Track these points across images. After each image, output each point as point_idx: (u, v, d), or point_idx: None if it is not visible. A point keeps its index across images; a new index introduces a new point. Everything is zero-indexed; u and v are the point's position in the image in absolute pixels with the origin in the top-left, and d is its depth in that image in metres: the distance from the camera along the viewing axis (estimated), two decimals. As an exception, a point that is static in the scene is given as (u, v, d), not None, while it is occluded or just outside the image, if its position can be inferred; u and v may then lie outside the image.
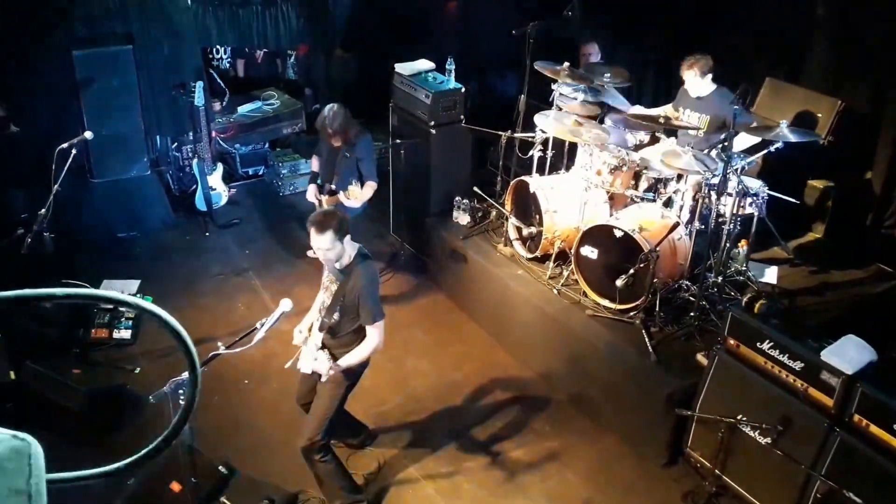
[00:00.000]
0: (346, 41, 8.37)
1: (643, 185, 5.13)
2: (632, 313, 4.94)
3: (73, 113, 6.28)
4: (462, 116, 6.15)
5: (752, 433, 4.03)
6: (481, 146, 6.55)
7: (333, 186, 5.38)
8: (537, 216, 5.42)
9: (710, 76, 5.35)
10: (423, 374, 5.35)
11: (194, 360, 1.20)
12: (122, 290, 5.77)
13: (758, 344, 4.06)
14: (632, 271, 4.71)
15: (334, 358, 3.87)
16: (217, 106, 7.78)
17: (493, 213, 6.01)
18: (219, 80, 7.87)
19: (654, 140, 5.64)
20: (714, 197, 4.77)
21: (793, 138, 4.71)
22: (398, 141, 6.20)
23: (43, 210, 5.38)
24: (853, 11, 5.74)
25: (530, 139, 5.66)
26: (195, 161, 6.89)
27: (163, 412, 3.37)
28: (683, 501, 4.37)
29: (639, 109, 5.88)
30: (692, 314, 4.83)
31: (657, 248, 4.68)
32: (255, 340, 3.73)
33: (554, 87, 5.53)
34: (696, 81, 5.37)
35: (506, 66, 7.46)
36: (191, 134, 7.07)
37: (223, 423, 4.78)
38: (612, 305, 5.00)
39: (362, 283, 3.81)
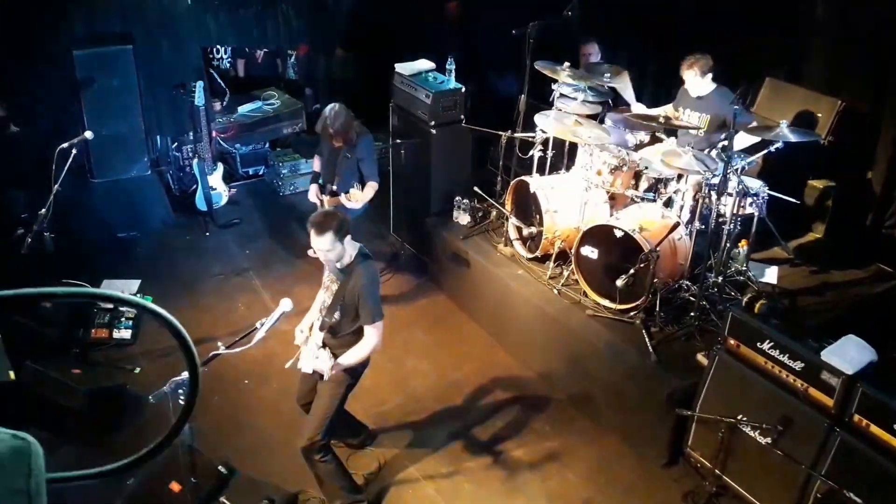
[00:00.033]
0: (346, 41, 8.37)
1: (643, 185, 5.13)
2: (632, 313, 4.94)
3: (74, 113, 6.29)
4: (462, 116, 6.15)
5: (752, 433, 4.02)
6: (482, 146, 6.55)
7: (335, 187, 5.38)
8: (537, 216, 5.42)
9: (710, 76, 5.35)
10: (424, 374, 5.35)
11: (196, 365, 1.20)
12: (122, 289, 5.77)
13: (758, 344, 4.06)
14: (632, 271, 4.71)
15: (335, 357, 3.87)
16: (217, 106, 7.78)
17: (494, 212, 6.01)
18: (219, 80, 7.87)
19: (655, 140, 5.65)
20: (714, 197, 4.77)
21: (793, 138, 4.71)
22: (398, 141, 6.20)
23: (43, 210, 5.39)
24: (853, 11, 5.74)
25: (530, 139, 5.66)
26: (195, 161, 6.89)
27: (163, 412, 3.37)
28: (684, 501, 4.36)
29: (639, 109, 5.88)
30: (692, 314, 4.83)
31: (657, 248, 4.68)
32: (255, 340, 3.73)
33: (554, 86, 5.53)
34: (696, 81, 5.37)
35: (506, 65, 7.45)
36: (191, 134, 7.07)
37: (223, 423, 4.78)
38: (613, 305, 5.00)
39: (363, 283, 3.81)
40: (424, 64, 6.33)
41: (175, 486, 4.12)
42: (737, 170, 4.82)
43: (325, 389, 3.96)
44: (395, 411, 4.99)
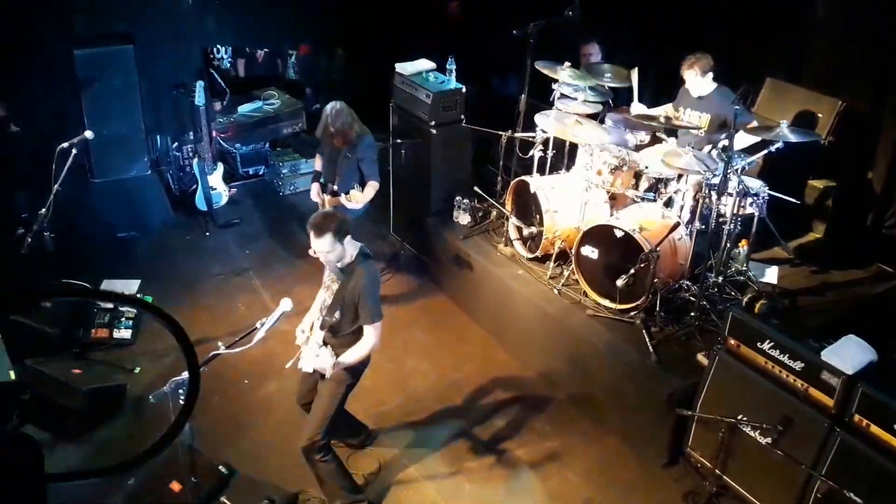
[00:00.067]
0: (346, 41, 8.37)
1: (644, 184, 5.13)
2: (632, 313, 4.94)
3: (74, 112, 6.28)
4: (462, 116, 6.15)
5: (752, 433, 4.02)
6: (483, 145, 6.55)
7: (335, 187, 5.38)
8: (538, 216, 5.42)
9: (710, 75, 5.35)
10: (424, 374, 5.35)
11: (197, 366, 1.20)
12: (122, 289, 5.77)
13: (758, 344, 4.06)
14: (632, 271, 4.71)
15: (336, 356, 3.86)
16: (217, 106, 7.78)
17: (494, 212, 6.01)
18: (219, 80, 7.87)
19: (655, 140, 5.64)
20: (714, 197, 4.76)
21: (793, 138, 4.71)
22: (399, 141, 6.20)
23: (43, 209, 5.39)
24: (853, 11, 5.74)
25: (531, 139, 5.66)
26: (195, 161, 6.89)
27: (163, 412, 3.38)
28: (684, 501, 4.36)
29: (639, 109, 5.88)
30: (693, 314, 4.83)
31: (658, 248, 4.68)
32: (255, 340, 3.73)
33: (554, 86, 5.53)
34: (697, 81, 5.37)
35: (507, 65, 7.45)
36: (191, 134, 7.08)
37: (223, 423, 4.78)
38: (613, 305, 5.00)
39: (363, 283, 3.81)
40: (425, 64, 6.33)
41: (175, 486, 4.13)
42: (737, 170, 4.82)
43: (325, 389, 3.96)
44: (395, 411, 4.99)
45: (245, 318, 5.68)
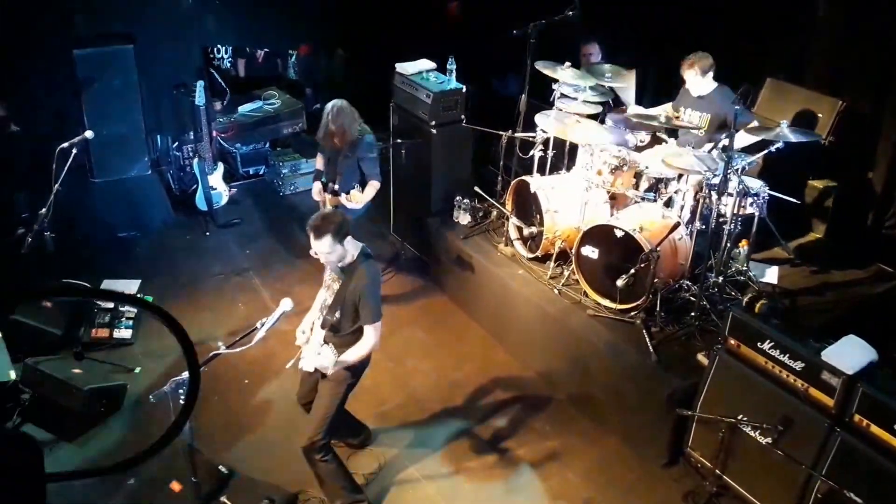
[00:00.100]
0: (346, 41, 8.37)
1: (644, 184, 5.13)
2: (632, 313, 4.94)
3: (74, 112, 6.29)
4: (463, 116, 6.15)
5: (752, 433, 4.02)
6: (483, 145, 6.55)
7: (336, 187, 5.37)
8: (538, 216, 5.42)
9: (710, 75, 5.35)
10: (424, 374, 5.35)
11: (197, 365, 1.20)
12: (122, 289, 5.77)
13: (758, 344, 4.06)
14: (632, 271, 4.71)
15: (337, 355, 3.86)
16: (218, 105, 7.78)
17: (494, 212, 6.01)
18: (220, 80, 7.87)
19: (655, 139, 5.64)
20: (715, 197, 4.76)
21: (793, 138, 4.71)
22: (399, 141, 6.20)
23: (43, 209, 5.40)
24: (854, 11, 5.74)
25: (531, 139, 5.66)
26: (196, 161, 6.89)
27: (163, 412, 3.37)
28: (684, 501, 4.36)
29: (639, 109, 5.88)
30: (693, 314, 4.83)
31: (658, 248, 4.68)
32: (256, 340, 3.73)
33: (555, 86, 5.53)
34: (697, 80, 5.37)
35: (507, 65, 7.45)
36: (191, 133, 7.07)
37: (223, 423, 4.77)
38: (613, 305, 5.00)
39: (365, 283, 3.81)
40: (425, 64, 6.32)
41: (175, 486, 4.13)
42: (737, 170, 4.81)
43: (325, 389, 3.96)
44: (395, 411, 4.99)
45: (245, 318, 5.68)
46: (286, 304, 3.82)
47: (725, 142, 4.67)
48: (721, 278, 4.99)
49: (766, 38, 6.22)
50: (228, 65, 8.29)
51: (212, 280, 6.27)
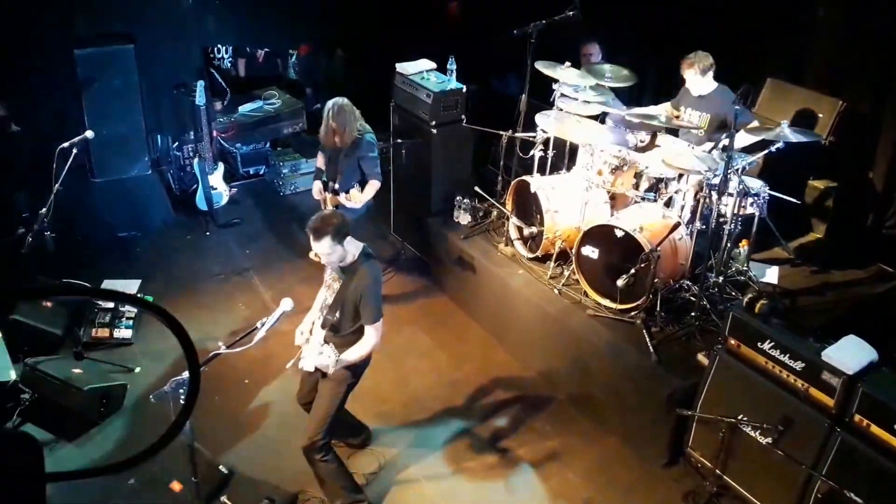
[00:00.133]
0: (346, 41, 8.37)
1: (644, 184, 5.12)
2: (633, 313, 4.94)
3: (74, 112, 6.29)
4: (463, 116, 6.15)
5: (752, 433, 4.02)
6: (483, 145, 6.56)
7: (336, 186, 5.37)
8: (538, 216, 5.42)
9: (710, 74, 5.35)
10: (424, 374, 5.35)
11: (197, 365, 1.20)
12: (122, 289, 5.77)
13: (759, 344, 4.06)
14: (633, 271, 4.71)
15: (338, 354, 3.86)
16: (218, 105, 7.78)
17: (494, 212, 6.01)
18: (220, 80, 7.88)
19: (655, 139, 5.63)
20: (715, 197, 4.76)
21: (794, 138, 4.71)
22: (399, 141, 6.20)
23: (44, 209, 5.40)
24: (853, 11, 5.74)
25: (531, 139, 5.66)
26: (196, 160, 6.89)
27: (163, 412, 3.38)
28: (684, 501, 4.36)
29: (638, 109, 5.87)
30: (693, 314, 4.83)
31: (658, 248, 4.68)
32: (256, 340, 3.73)
33: (555, 86, 5.53)
34: (697, 80, 5.36)
35: (507, 65, 7.45)
36: (192, 133, 7.08)
37: (223, 423, 4.77)
38: (613, 305, 5.00)
39: (366, 283, 3.81)
40: (425, 63, 6.32)
41: (175, 486, 4.13)
42: (737, 170, 4.81)
43: (326, 389, 3.96)
44: (395, 411, 4.99)
45: (245, 317, 5.68)
46: (286, 303, 3.82)
47: (726, 142, 4.67)
48: (721, 278, 4.99)
49: (766, 38, 6.22)
50: (229, 65, 8.29)
51: (212, 280, 6.27)
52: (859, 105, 5.71)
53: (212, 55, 8.02)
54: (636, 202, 5.19)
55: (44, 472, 1.20)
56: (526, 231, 5.58)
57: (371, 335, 3.86)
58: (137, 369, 5.17)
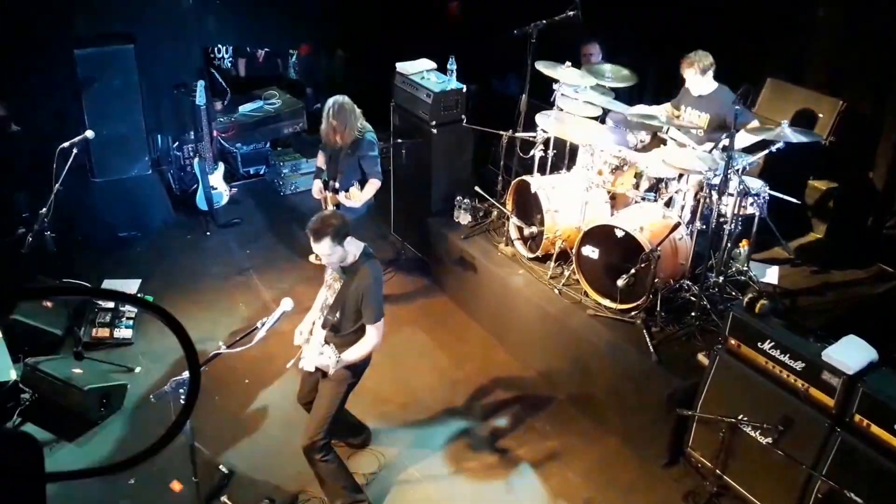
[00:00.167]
0: (346, 41, 8.37)
1: (644, 184, 5.13)
2: (633, 313, 4.94)
3: (75, 112, 6.29)
4: (463, 116, 6.15)
5: (753, 433, 4.02)
6: (483, 145, 6.56)
7: (337, 185, 5.36)
8: (538, 216, 5.42)
9: (710, 74, 5.35)
10: (424, 374, 5.35)
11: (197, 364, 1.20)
12: (122, 289, 5.77)
13: (759, 344, 4.06)
14: (633, 271, 4.71)
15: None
16: (218, 105, 7.78)
17: (495, 212, 6.01)
18: (220, 80, 7.88)
19: (655, 139, 5.64)
20: (715, 197, 4.76)
21: (794, 138, 4.71)
22: (399, 140, 6.20)
23: (44, 209, 5.40)
24: (853, 11, 5.74)
25: (531, 139, 5.66)
26: (196, 160, 6.89)
27: (163, 412, 3.38)
28: (684, 501, 4.36)
29: (639, 109, 5.87)
30: (693, 314, 4.83)
31: (658, 248, 4.68)
32: (256, 340, 3.73)
33: (555, 86, 5.53)
34: (697, 79, 5.36)
35: (507, 65, 7.46)
36: (192, 133, 7.08)
37: (223, 423, 4.77)
38: (613, 305, 5.00)
39: (367, 283, 3.81)
40: (426, 63, 6.32)
41: (175, 486, 4.13)
42: (738, 170, 4.81)
43: (326, 388, 3.96)
44: (395, 411, 4.99)
45: (245, 317, 5.68)
46: (286, 303, 3.83)
47: (726, 142, 4.67)
48: (721, 278, 4.99)
49: (766, 38, 6.22)
50: (229, 64, 8.29)
51: (212, 280, 6.27)
52: (859, 105, 5.71)
53: (212, 55, 8.02)
54: (636, 202, 5.19)
55: (44, 472, 1.20)
56: (526, 231, 5.58)
57: (372, 335, 3.87)
58: (137, 369, 5.17)
